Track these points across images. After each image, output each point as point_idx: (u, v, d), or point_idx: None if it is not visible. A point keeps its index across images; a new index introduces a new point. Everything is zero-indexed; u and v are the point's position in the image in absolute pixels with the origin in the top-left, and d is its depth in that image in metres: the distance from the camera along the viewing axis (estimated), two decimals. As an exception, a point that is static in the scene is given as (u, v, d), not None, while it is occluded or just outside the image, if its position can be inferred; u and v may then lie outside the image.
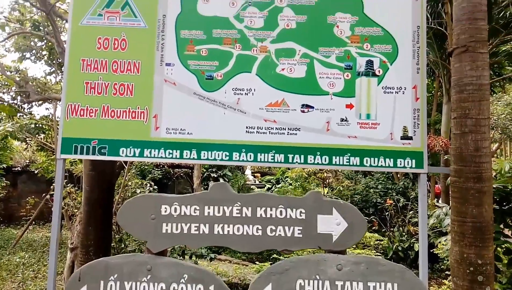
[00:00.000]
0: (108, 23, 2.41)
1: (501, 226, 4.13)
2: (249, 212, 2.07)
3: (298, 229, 2.07)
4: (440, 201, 8.01)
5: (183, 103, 2.36)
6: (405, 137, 2.36)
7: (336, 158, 2.33)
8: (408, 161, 2.33)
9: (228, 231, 2.03)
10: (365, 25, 2.43)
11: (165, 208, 2.04)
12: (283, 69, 2.42)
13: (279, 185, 10.37)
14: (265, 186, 11.59)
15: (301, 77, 2.41)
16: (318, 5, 2.45)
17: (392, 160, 2.33)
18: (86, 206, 3.45)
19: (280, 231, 2.06)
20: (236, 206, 2.07)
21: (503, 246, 3.99)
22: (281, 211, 2.08)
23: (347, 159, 2.33)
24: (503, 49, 9.07)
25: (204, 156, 2.31)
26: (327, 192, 9.52)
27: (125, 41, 2.39)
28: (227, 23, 2.43)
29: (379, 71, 2.41)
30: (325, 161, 2.33)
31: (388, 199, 7.74)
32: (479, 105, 2.28)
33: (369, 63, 2.42)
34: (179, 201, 2.06)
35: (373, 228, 7.56)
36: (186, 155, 2.31)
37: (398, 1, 2.45)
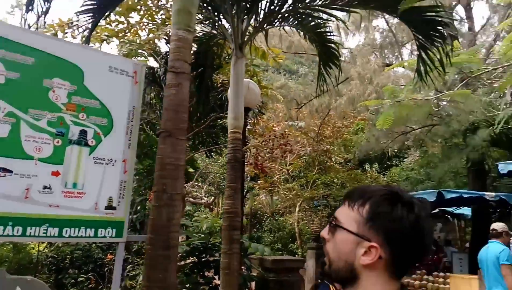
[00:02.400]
0: None
1: (198, 278, 4.86)
2: None
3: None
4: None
5: None
6: (109, 207, 2.50)
7: (31, 228, 2.19)
8: (109, 231, 2.46)
9: None
10: (84, 96, 2.52)
11: None
12: (-21, 125, 2.13)
13: None
14: None
15: (2, 137, 2.20)
16: (35, 66, 2.36)
17: (93, 230, 2.40)
18: None
19: None
20: None
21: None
22: None
23: (44, 229, 2.23)
24: (219, 122, 11.20)
25: None
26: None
27: None
28: None
29: (92, 141, 2.51)
30: (18, 232, 2.14)
31: (109, 254, 7.63)
32: (175, 182, 2.70)
33: (83, 133, 2.49)
34: None
35: (90, 286, 7.21)
36: None
37: (118, 81, 2.69)
